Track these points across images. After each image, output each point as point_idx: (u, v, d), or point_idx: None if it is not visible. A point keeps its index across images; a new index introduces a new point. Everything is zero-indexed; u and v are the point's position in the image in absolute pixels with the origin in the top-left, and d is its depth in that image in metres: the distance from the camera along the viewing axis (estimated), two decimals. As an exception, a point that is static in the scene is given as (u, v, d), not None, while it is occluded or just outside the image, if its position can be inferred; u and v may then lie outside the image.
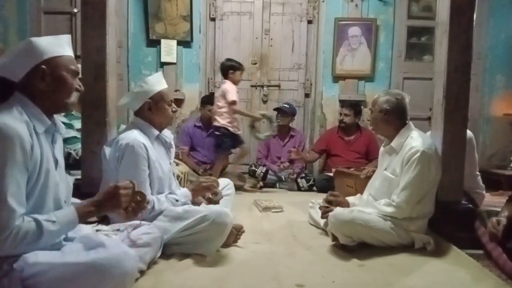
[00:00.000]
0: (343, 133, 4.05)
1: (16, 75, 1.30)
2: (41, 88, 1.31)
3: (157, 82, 2.04)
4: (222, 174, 3.69)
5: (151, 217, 1.89)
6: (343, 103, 4.20)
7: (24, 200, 1.23)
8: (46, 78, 1.31)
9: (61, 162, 1.44)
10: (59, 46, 1.35)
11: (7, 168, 1.17)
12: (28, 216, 1.22)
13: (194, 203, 2.11)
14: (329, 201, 2.30)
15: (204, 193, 2.20)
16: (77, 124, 3.03)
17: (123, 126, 2.65)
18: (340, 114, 4.07)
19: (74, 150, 2.87)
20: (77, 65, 1.41)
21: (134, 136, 1.90)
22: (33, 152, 1.25)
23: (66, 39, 1.39)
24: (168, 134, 2.17)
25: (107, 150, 1.95)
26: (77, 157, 2.79)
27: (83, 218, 1.35)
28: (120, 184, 1.38)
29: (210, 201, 2.21)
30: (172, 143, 2.20)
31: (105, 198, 1.37)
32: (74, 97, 1.39)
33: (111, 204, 1.38)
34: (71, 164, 2.77)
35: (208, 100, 3.99)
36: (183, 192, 2.09)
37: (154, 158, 1.95)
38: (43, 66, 1.31)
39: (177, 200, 2.01)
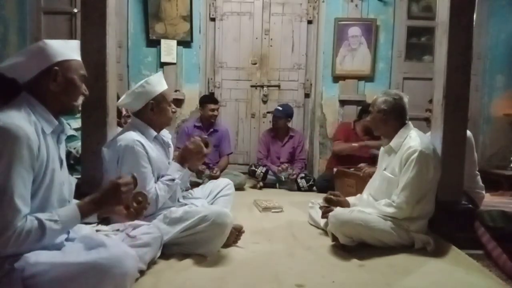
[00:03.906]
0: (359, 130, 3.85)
1: (26, 76, 1.31)
2: (51, 89, 1.33)
3: (159, 83, 2.04)
4: (222, 174, 3.68)
5: (150, 216, 1.90)
6: (363, 106, 3.92)
7: (29, 200, 1.23)
8: (57, 79, 1.33)
9: (65, 162, 1.45)
10: (70, 50, 1.38)
11: (15, 168, 1.18)
12: (31, 215, 1.23)
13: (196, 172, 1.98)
14: (329, 200, 2.30)
15: (195, 157, 2.07)
16: (74, 123, 3.03)
17: None
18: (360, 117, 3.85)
19: (74, 148, 2.86)
20: (85, 70, 1.43)
21: (131, 136, 1.90)
22: (40, 152, 1.26)
23: (75, 44, 1.42)
24: (165, 133, 2.17)
25: (106, 152, 1.95)
26: (77, 155, 2.79)
27: (85, 215, 1.34)
28: (120, 180, 1.37)
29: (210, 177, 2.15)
30: (170, 142, 2.20)
31: (106, 194, 1.36)
32: (80, 100, 1.42)
33: (112, 201, 1.37)
34: (72, 163, 2.77)
35: (207, 99, 3.98)
36: (174, 168, 2.03)
37: (153, 156, 1.95)
38: (56, 68, 1.32)
39: (173, 180, 1.98)
